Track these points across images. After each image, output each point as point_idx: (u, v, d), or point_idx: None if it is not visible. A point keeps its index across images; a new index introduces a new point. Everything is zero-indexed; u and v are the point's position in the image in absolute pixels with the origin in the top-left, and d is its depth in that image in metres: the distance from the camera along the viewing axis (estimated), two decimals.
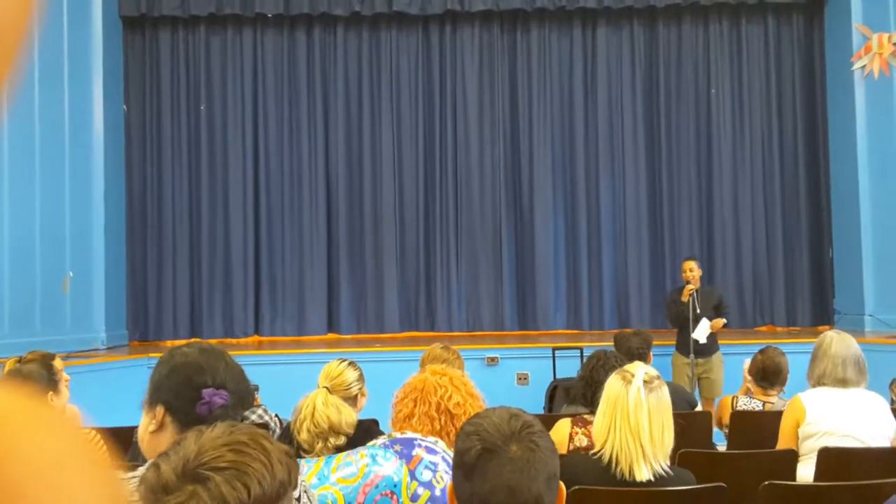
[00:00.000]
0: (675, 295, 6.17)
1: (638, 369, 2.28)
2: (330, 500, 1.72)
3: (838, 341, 3.14)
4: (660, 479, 2.21)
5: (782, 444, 3.16)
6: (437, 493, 1.81)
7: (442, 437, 2.02)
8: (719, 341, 6.11)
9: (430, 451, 1.87)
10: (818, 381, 3.10)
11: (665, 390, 2.28)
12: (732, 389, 5.66)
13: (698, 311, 5.88)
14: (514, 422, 1.35)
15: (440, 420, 2.07)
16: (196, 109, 7.91)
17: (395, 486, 1.79)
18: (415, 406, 2.13)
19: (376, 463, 1.82)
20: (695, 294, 5.95)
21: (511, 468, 1.29)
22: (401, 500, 1.79)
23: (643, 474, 2.20)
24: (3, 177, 5.99)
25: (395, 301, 7.79)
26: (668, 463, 2.26)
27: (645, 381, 2.23)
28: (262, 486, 1.01)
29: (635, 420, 2.19)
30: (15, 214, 6.08)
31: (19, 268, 6.08)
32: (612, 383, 2.29)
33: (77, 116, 6.75)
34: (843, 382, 3.07)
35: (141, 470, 1.76)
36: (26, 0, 0.34)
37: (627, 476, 2.21)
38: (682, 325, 6.00)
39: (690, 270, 6.05)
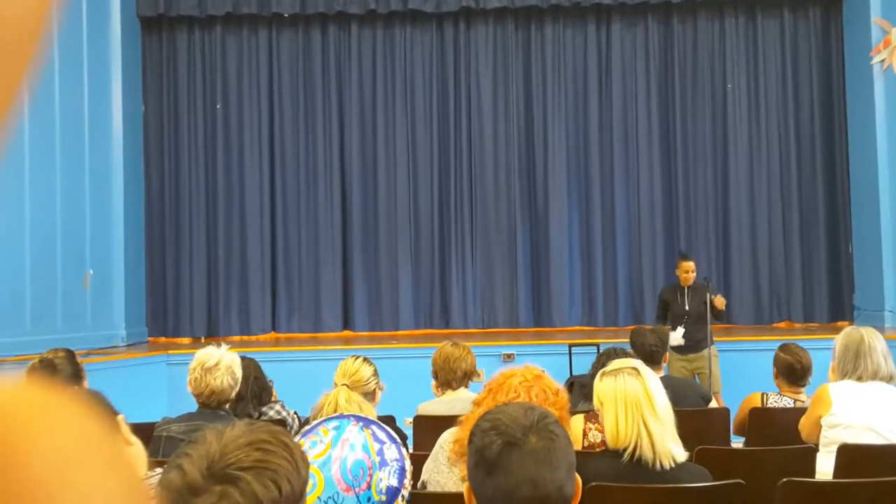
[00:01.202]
0: (666, 293, 6.25)
1: (619, 365, 2.33)
2: (312, 480, 1.75)
3: (874, 336, 3.11)
4: (678, 466, 2.21)
5: (805, 428, 3.15)
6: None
7: None
8: (716, 339, 6.10)
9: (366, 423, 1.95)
10: (873, 377, 3.06)
11: (648, 375, 2.31)
12: (732, 385, 5.65)
13: (687, 307, 5.92)
14: (530, 414, 1.34)
15: None
16: (213, 108, 7.96)
17: (364, 446, 1.83)
18: (486, 395, 2.15)
19: (341, 431, 1.85)
20: (686, 291, 5.98)
21: (534, 460, 1.28)
22: (371, 458, 1.82)
23: (661, 460, 2.20)
24: (23, 176, 6.05)
25: (410, 298, 7.80)
26: (680, 446, 2.26)
27: (633, 368, 2.29)
28: (291, 483, 1.02)
29: (650, 408, 2.21)
30: (36, 213, 6.15)
31: (40, 265, 6.15)
32: (603, 384, 2.31)
33: (96, 116, 6.82)
34: (891, 378, 3.06)
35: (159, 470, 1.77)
36: None
37: (652, 464, 2.20)
38: (677, 323, 6.02)
39: (692, 272, 6.06)
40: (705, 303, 5.91)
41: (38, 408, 0.31)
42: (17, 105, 0.34)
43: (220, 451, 1.01)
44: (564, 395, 2.15)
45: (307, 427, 1.97)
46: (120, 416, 1.79)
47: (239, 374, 2.88)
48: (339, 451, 1.80)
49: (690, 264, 6.15)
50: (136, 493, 0.33)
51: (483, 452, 1.31)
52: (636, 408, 2.23)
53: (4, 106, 0.33)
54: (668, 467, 2.20)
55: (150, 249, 7.79)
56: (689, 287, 6.02)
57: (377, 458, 1.83)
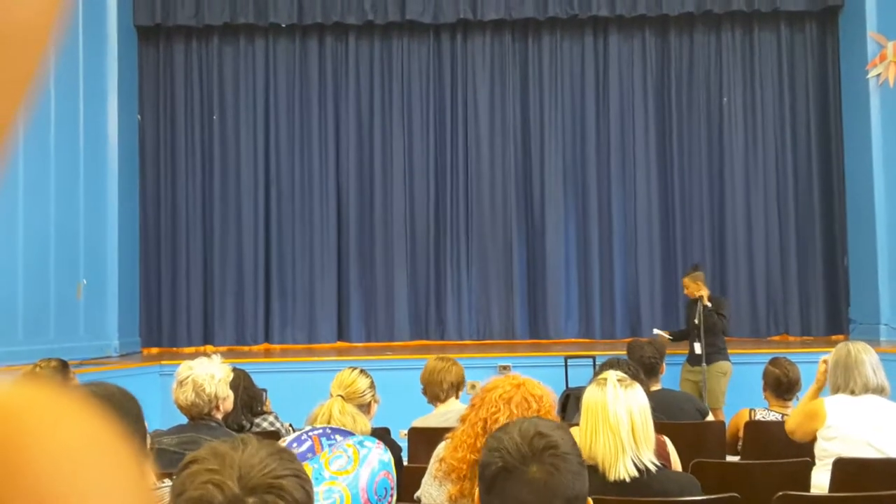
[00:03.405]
0: (688, 307, 6.27)
1: (610, 374, 2.35)
2: (336, 494, 1.73)
3: (862, 349, 3.14)
4: (647, 474, 2.20)
5: (795, 422, 3.16)
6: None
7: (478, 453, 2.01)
8: (730, 351, 6.12)
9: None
10: (864, 389, 3.07)
11: (639, 388, 2.32)
12: (735, 401, 5.64)
13: (696, 321, 5.93)
14: (536, 441, 1.31)
15: (482, 437, 2.04)
16: (209, 118, 7.96)
17: (387, 465, 1.83)
18: (470, 411, 2.14)
19: (366, 448, 1.85)
20: (697, 304, 5.99)
21: (529, 490, 1.27)
22: (394, 477, 1.83)
23: (624, 472, 2.19)
24: (18, 185, 6.03)
25: (406, 309, 7.78)
26: (653, 457, 2.26)
27: (619, 380, 2.29)
28: (311, 485, 1.08)
29: (615, 418, 2.22)
30: (30, 222, 6.12)
31: (34, 275, 6.13)
32: (589, 391, 2.33)
33: (91, 125, 6.81)
34: (882, 390, 3.07)
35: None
36: (52, 3, 0.34)
37: (611, 476, 2.20)
38: (692, 337, 6.03)
39: (685, 288, 6.12)
40: (708, 315, 5.92)
41: (43, 406, 0.31)
42: (24, 112, 0.34)
43: (245, 464, 1.02)
44: (549, 398, 2.15)
45: (322, 439, 1.94)
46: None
47: (213, 390, 2.76)
48: (367, 468, 1.80)
49: (684, 279, 6.21)
50: (140, 492, 0.33)
51: (483, 470, 1.33)
52: (593, 417, 2.26)
53: (11, 111, 0.33)
54: (635, 475, 2.20)
55: (145, 259, 7.77)
56: (701, 301, 6.02)
57: (395, 480, 1.85)
